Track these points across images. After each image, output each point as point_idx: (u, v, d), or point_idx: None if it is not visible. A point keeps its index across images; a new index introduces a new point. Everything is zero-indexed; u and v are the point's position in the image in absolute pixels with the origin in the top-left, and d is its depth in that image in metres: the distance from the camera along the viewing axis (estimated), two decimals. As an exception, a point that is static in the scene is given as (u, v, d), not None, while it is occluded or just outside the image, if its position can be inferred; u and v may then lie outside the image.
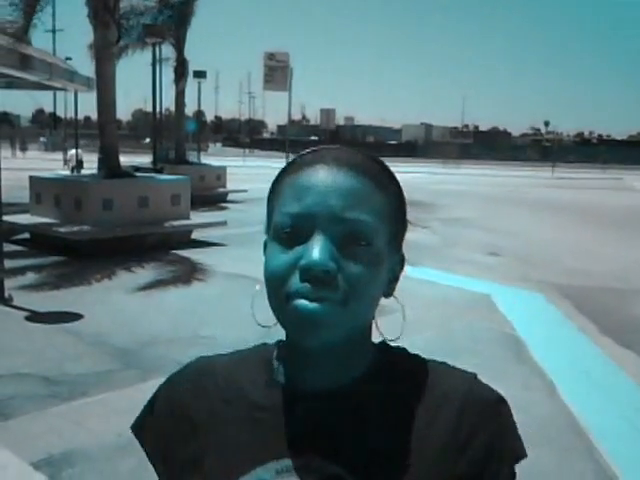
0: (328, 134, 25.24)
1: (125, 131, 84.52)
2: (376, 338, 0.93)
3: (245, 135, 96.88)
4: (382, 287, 0.86)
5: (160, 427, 0.91)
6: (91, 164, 20.62)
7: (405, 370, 0.90)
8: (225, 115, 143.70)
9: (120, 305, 7.69)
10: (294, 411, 0.85)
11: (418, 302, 8.15)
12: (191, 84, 23.99)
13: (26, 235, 11.94)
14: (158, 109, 23.00)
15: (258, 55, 21.55)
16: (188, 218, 12.56)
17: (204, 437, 0.87)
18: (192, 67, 23.28)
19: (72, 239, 10.79)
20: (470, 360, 6.04)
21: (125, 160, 14.69)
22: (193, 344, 5.99)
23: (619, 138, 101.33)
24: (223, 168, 22.47)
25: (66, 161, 25.55)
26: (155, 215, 11.94)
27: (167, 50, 22.14)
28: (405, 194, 0.92)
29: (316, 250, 0.77)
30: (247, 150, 70.63)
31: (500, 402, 0.88)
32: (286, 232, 0.80)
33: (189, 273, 9.49)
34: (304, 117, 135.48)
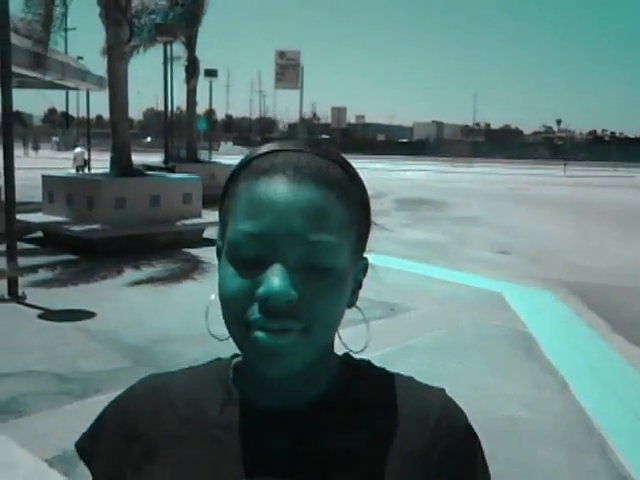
0: (339, 132, 25.21)
1: (137, 130, 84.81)
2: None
3: (256, 134, 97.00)
4: (346, 302, 0.80)
5: (109, 449, 0.86)
6: (103, 163, 20.72)
7: (370, 384, 0.86)
8: (236, 114, 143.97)
9: (132, 303, 7.73)
10: (256, 429, 0.81)
11: (429, 300, 8.15)
12: (202, 83, 24.08)
13: (39, 234, 12.02)
14: (169, 108, 23.09)
15: (269, 54, 21.59)
16: (200, 217, 12.58)
17: (159, 459, 0.82)
18: (203, 66, 23.35)
19: (84, 238, 10.85)
20: (481, 357, 6.05)
21: (137, 159, 14.74)
22: (204, 342, 5.99)
23: (632, 136, 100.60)
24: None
25: (74, 160, 25.69)
26: (167, 214, 11.98)
27: (178, 49, 22.23)
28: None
29: (276, 279, 0.71)
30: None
31: (470, 425, 0.87)
32: (242, 254, 0.74)
33: (201, 271, 9.52)
34: (315, 115, 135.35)
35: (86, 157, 25.33)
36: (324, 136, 77.38)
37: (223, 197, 0.82)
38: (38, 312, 7.15)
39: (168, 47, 20.36)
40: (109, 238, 10.84)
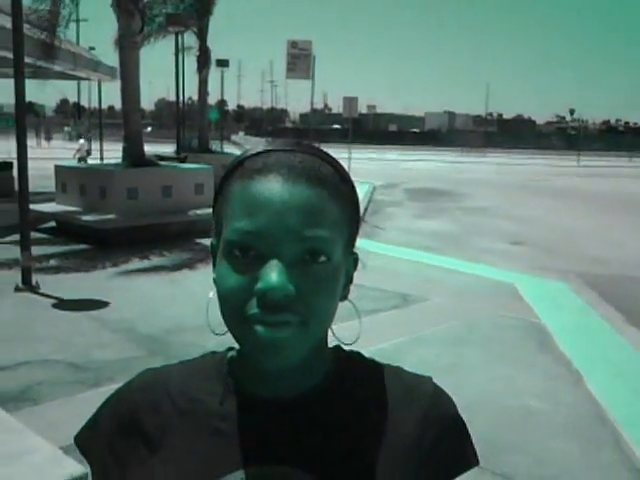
0: (350, 122, 25.12)
1: (148, 120, 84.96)
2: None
3: (267, 124, 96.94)
4: (340, 296, 0.82)
5: (108, 443, 0.88)
6: (115, 153, 20.76)
7: (363, 375, 0.89)
8: (247, 104, 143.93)
9: (145, 293, 7.76)
10: (255, 420, 0.83)
11: (443, 291, 8.14)
12: (213, 73, 24.06)
13: (52, 224, 12.08)
14: (181, 98, 23.10)
15: (280, 43, 21.53)
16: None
17: (160, 451, 0.84)
18: (214, 56, 23.32)
19: (97, 228, 10.89)
20: (495, 348, 6.03)
21: (148, 149, 14.77)
22: (221, 332, 6.02)
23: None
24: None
25: (78, 151, 25.82)
26: (179, 204, 12.00)
27: (190, 39, 22.20)
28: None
29: (274, 274, 0.73)
30: (270, 139, 70.64)
31: (458, 413, 0.90)
32: (239, 250, 0.76)
33: (213, 261, 9.53)
34: (326, 106, 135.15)
35: (87, 148, 25.44)
36: (335, 126, 77.22)
37: (217, 197, 0.84)
38: (52, 301, 7.19)
39: (179, 37, 20.36)
40: (121, 228, 10.87)
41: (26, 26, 9.51)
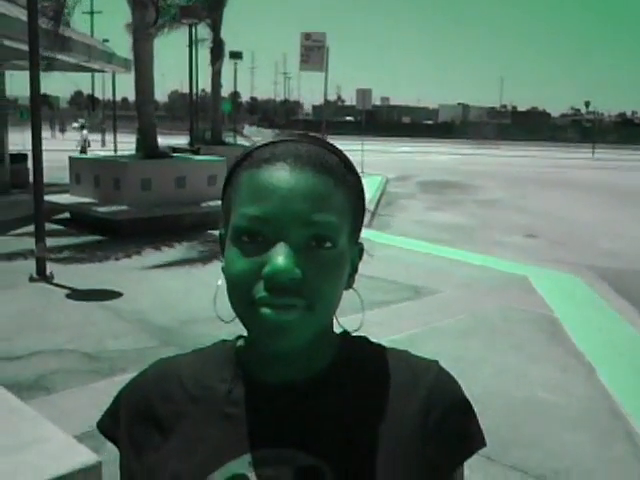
0: (364, 115, 25.10)
1: (162, 112, 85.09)
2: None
3: (281, 116, 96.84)
4: (345, 283, 0.84)
5: (128, 429, 0.91)
6: (128, 145, 20.84)
7: (369, 358, 0.90)
8: (260, 96, 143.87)
9: (158, 283, 7.80)
10: (264, 404, 0.85)
11: (456, 283, 8.13)
12: (227, 65, 24.05)
13: (66, 215, 12.15)
14: (194, 90, 23.12)
15: (294, 35, 21.50)
16: (225, 198, 12.58)
17: (174, 437, 0.87)
18: (228, 48, 23.30)
19: (111, 219, 10.95)
20: (507, 341, 6.02)
21: (162, 141, 14.81)
22: (232, 323, 6.05)
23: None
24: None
25: (83, 142, 26.06)
26: (192, 195, 12.04)
27: (203, 31, 22.19)
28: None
29: (281, 258, 0.75)
30: (277, 131, 70.41)
31: (463, 394, 0.90)
32: (247, 236, 0.78)
33: (225, 253, 9.56)
34: (339, 98, 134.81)
35: (88, 139, 25.73)
36: (348, 118, 77.07)
37: (225, 187, 0.86)
38: (66, 292, 7.25)
39: (193, 29, 20.36)
40: (135, 219, 10.93)
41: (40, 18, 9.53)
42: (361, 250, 0.90)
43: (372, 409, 0.85)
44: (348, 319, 0.94)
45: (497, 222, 13.89)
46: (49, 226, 9.28)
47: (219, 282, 0.86)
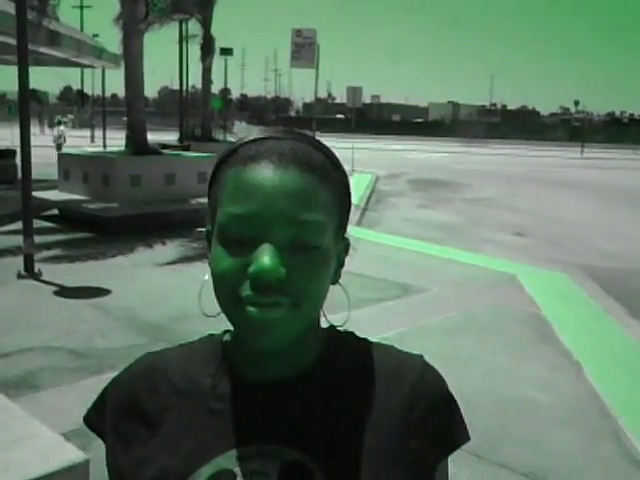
0: (354, 112, 25.11)
1: (152, 108, 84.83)
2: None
3: (271, 113, 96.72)
4: (330, 279, 0.84)
5: (114, 424, 0.91)
6: (118, 141, 20.75)
7: (355, 353, 0.91)
8: (251, 93, 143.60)
9: (147, 281, 7.77)
10: (249, 400, 0.86)
11: (444, 281, 8.14)
12: (217, 62, 23.98)
13: (55, 211, 12.09)
14: (184, 86, 23.05)
15: (285, 32, 21.43)
16: (214, 195, 12.55)
17: (160, 432, 0.87)
18: (218, 44, 23.24)
19: (100, 215, 10.90)
20: (496, 340, 6.04)
21: (151, 137, 14.75)
22: (221, 320, 6.04)
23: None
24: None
25: (57, 137, 25.81)
26: (182, 192, 12.01)
27: (194, 27, 22.12)
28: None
29: (266, 257, 0.75)
30: (262, 127, 70.28)
31: (447, 388, 0.91)
32: (232, 234, 0.78)
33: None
34: (330, 95, 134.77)
35: (63, 135, 25.52)
36: (339, 116, 77.08)
37: (211, 184, 0.86)
38: (54, 289, 7.21)
39: (183, 25, 20.30)
40: (124, 216, 10.88)
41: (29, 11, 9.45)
42: (347, 245, 0.90)
43: (357, 404, 0.86)
44: (337, 317, 0.94)
45: (487, 221, 13.93)
46: (37, 223, 9.24)
47: (205, 277, 0.86)
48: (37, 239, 8.18)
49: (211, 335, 0.95)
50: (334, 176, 0.84)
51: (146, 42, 12.87)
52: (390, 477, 0.82)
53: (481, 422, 4.14)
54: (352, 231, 0.92)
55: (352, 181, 0.87)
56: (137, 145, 12.64)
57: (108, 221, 10.76)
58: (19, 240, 7.99)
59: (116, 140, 23.36)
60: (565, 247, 11.18)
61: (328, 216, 0.81)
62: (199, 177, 12.45)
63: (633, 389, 5.10)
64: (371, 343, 0.93)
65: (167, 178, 12.09)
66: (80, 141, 31.73)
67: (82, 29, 31.07)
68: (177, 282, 7.67)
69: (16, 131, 8.14)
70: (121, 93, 18.03)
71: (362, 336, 0.94)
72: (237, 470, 0.81)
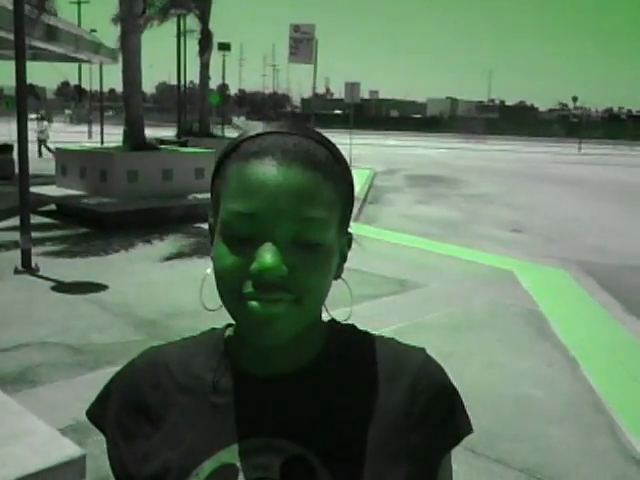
0: (352, 108, 25.08)
1: (150, 104, 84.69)
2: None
3: (269, 109, 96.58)
4: (333, 275, 0.84)
5: (117, 418, 0.91)
6: (116, 137, 20.71)
7: (358, 346, 0.91)
8: (249, 88, 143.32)
9: (145, 276, 7.77)
10: (252, 394, 0.86)
11: (441, 277, 8.15)
12: (215, 57, 23.94)
13: (52, 207, 12.08)
14: (182, 82, 23.01)
15: (283, 27, 21.39)
16: (212, 191, 12.55)
17: (163, 426, 0.87)
18: (216, 39, 23.21)
19: (97, 211, 10.90)
20: (493, 335, 6.05)
21: (149, 133, 14.74)
22: (218, 316, 6.04)
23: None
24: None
25: (40, 133, 25.42)
26: (179, 188, 12.00)
27: (192, 22, 22.09)
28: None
29: (268, 255, 0.75)
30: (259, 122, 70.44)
31: (449, 381, 0.91)
32: (235, 232, 0.78)
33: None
34: (328, 90, 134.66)
35: (46, 130, 25.23)
36: (337, 111, 76.94)
37: (214, 178, 0.86)
38: (51, 284, 7.21)
39: (181, 20, 20.26)
40: (121, 212, 10.88)
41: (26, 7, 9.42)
42: (350, 240, 0.90)
43: (359, 397, 0.86)
44: (338, 312, 0.94)
45: (484, 217, 13.94)
46: (35, 218, 9.22)
47: (208, 270, 0.85)
48: (34, 234, 8.17)
49: (213, 329, 0.95)
50: (337, 171, 0.83)
51: (144, 37, 12.88)
52: (392, 471, 0.82)
53: (478, 418, 4.15)
54: (351, 227, 0.93)
55: (350, 177, 0.87)
56: (135, 140, 12.62)
57: (105, 216, 10.75)
58: (16, 235, 7.98)
59: (114, 136, 23.33)
60: (561, 243, 11.19)
61: (331, 212, 0.81)
62: (197, 173, 12.45)
63: (629, 385, 5.12)
64: (372, 336, 0.93)
65: (165, 174, 12.09)
66: (78, 136, 31.66)
67: (79, 24, 31.00)
68: (174, 278, 7.67)
69: (13, 126, 8.12)
70: (119, 88, 17.99)
71: (363, 329, 0.94)
72: (239, 464, 0.82)
